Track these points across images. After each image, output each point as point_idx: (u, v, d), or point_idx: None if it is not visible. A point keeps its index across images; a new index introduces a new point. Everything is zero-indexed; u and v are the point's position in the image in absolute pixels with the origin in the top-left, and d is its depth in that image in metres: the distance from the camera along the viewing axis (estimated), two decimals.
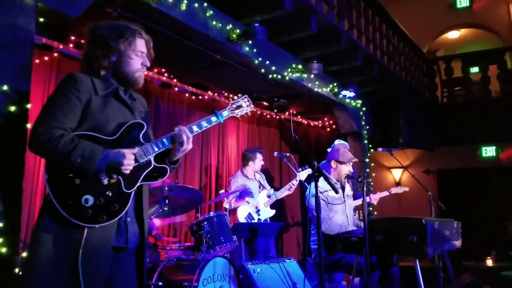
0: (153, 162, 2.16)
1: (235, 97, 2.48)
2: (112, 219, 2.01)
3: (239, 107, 2.47)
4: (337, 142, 4.92)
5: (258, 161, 5.71)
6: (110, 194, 2.01)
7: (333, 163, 4.42)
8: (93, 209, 1.96)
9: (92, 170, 1.95)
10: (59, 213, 1.91)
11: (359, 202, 5.36)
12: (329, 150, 5.57)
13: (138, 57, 2.23)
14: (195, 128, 2.25)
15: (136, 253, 2.21)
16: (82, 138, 2.00)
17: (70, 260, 1.92)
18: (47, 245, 1.92)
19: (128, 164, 2.02)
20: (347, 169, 4.38)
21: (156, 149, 2.15)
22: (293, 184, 5.48)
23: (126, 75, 2.21)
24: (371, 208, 7.00)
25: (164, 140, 2.18)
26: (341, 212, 4.30)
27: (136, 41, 2.21)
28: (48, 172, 1.96)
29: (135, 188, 2.10)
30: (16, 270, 2.49)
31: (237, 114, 2.47)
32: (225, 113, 2.41)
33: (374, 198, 5.72)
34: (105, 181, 2.01)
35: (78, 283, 1.90)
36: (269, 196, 5.57)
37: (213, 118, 2.34)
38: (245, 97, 2.51)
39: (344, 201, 4.35)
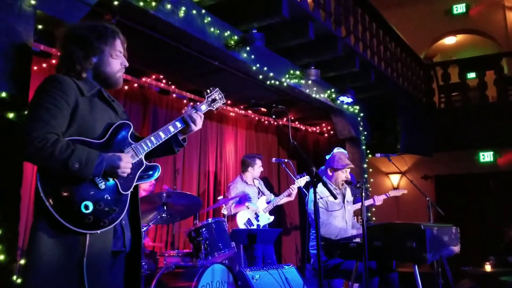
0: (144, 161, 2.18)
1: (208, 91, 2.52)
2: (113, 223, 1.98)
3: (214, 100, 2.51)
4: (335, 150, 4.94)
5: (257, 167, 5.72)
6: (109, 198, 1.99)
7: (329, 171, 4.45)
8: (94, 215, 1.92)
9: (89, 175, 1.92)
10: (59, 222, 1.85)
11: (359, 206, 5.37)
12: (328, 157, 5.58)
13: (118, 57, 2.22)
14: (175, 126, 2.33)
15: (128, 259, 2.19)
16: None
17: (74, 268, 1.88)
18: (48, 254, 1.86)
19: (125, 167, 2.01)
20: (343, 175, 4.41)
21: (145, 148, 2.17)
22: (292, 190, 5.47)
23: (108, 76, 2.19)
24: (369, 214, 7.00)
25: (152, 138, 2.21)
26: (340, 217, 4.30)
27: (115, 41, 2.20)
28: (42, 181, 1.89)
29: (131, 189, 2.09)
30: (14, 277, 2.48)
31: (213, 107, 2.51)
32: (203, 107, 2.46)
33: (378, 200, 5.66)
34: (102, 185, 1.99)
35: None
36: (268, 202, 5.57)
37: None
38: (217, 90, 2.54)
39: (344, 207, 4.35)
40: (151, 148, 2.19)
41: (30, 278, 1.87)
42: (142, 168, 2.16)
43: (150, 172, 2.21)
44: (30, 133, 1.87)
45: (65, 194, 1.90)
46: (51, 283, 1.86)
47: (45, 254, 1.86)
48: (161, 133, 2.25)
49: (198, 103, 2.45)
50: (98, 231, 1.94)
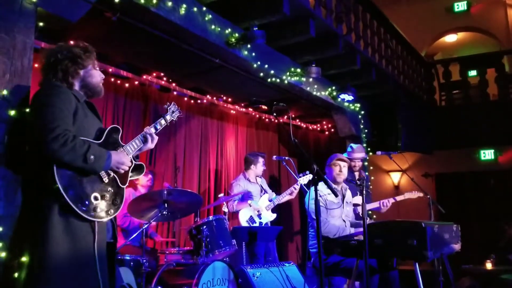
0: (133, 161, 2.52)
1: (165, 105, 2.93)
2: (115, 212, 2.31)
3: (173, 111, 2.91)
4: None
5: (260, 165, 5.74)
6: (112, 191, 2.31)
7: (327, 170, 4.44)
8: (102, 205, 2.23)
9: (102, 168, 2.22)
10: (72, 211, 2.10)
11: (367, 206, 5.13)
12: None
13: (97, 69, 2.56)
14: (152, 130, 2.69)
15: (109, 247, 2.44)
16: None
17: (87, 253, 2.14)
18: (62, 242, 2.09)
19: (127, 164, 2.39)
20: (336, 169, 4.36)
21: (133, 148, 2.52)
22: (294, 189, 5.48)
23: (93, 86, 2.51)
24: (370, 212, 6.99)
25: (137, 141, 2.57)
26: (337, 217, 4.29)
27: (94, 58, 2.53)
28: (59, 175, 2.11)
29: (127, 183, 2.43)
30: (16, 274, 2.48)
31: (174, 117, 2.91)
32: (168, 117, 2.87)
33: (384, 204, 5.28)
34: (106, 179, 2.29)
35: (96, 277, 2.12)
36: (270, 200, 5.58)
37: (162, 121, 2.80)
38: (174, 103, 2.95)
39: (342, 206, 4.35)
40: (137, 149, 2.55)
41: (45, 264, 2.07)
42: (132, 167, 2.50)
43: (138, 171, 2.59)
44: (53, 129, 2.11)
45: (78, 186, 2.16)
46: (64, 270, 2.07)
47: (60, 242, 2.09)
48: (142, 137, 2.61)
49: (164, 114, 2.87)
50: (104, 220, 2.25)
